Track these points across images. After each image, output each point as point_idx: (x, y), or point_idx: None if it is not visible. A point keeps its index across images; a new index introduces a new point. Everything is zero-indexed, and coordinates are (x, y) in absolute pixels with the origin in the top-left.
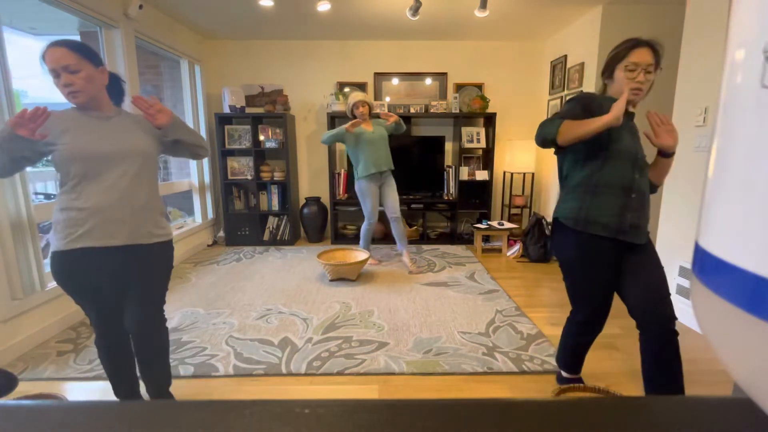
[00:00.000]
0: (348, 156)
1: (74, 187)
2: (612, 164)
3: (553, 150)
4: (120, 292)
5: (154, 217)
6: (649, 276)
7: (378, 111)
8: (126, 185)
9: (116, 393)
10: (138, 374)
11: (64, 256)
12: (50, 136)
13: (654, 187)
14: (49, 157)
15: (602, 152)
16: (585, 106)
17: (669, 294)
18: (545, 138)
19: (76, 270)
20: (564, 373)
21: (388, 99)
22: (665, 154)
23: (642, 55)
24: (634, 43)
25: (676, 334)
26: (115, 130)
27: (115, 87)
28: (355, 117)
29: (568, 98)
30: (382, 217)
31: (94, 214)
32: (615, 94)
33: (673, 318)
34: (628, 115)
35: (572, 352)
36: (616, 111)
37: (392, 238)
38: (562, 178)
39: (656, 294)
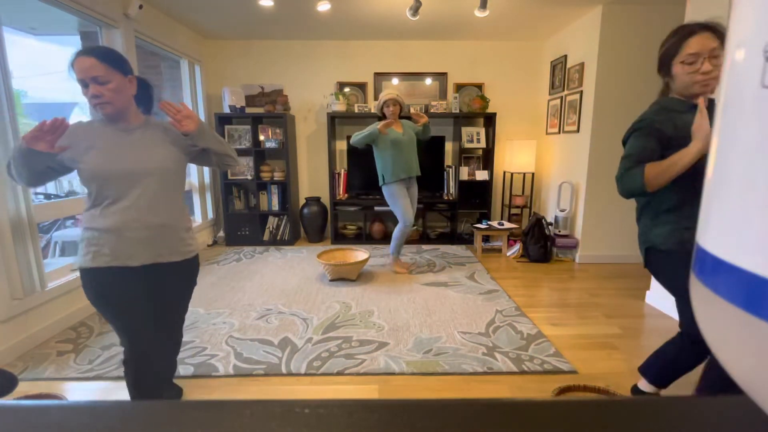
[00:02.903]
0: (345, 156)
1: (96, 206)
2: (700, 178)
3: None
4: (147, 312)
5: (176, 234)
6: None
7: (410, 112)
8: (145, 204)
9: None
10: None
11: (89, 273)
12: (75, 152)
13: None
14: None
15: (690, 169)
16: (659, 136)
17: None
18: (633, 193)
19: (103, 287)
20: (646, 386)
21: None
22: None
23: (700, 43)
24: (687, 32)
25: None
26: (137, 145)
27: (143, 94)
28: (384, 116)
29: (632, 129)
30: (385, 217)
31: (112, 235)
32: (680, 91)
33: None
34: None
35: (675, 369)
36: (702, 136)
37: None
38: (644, 203)
39: None
